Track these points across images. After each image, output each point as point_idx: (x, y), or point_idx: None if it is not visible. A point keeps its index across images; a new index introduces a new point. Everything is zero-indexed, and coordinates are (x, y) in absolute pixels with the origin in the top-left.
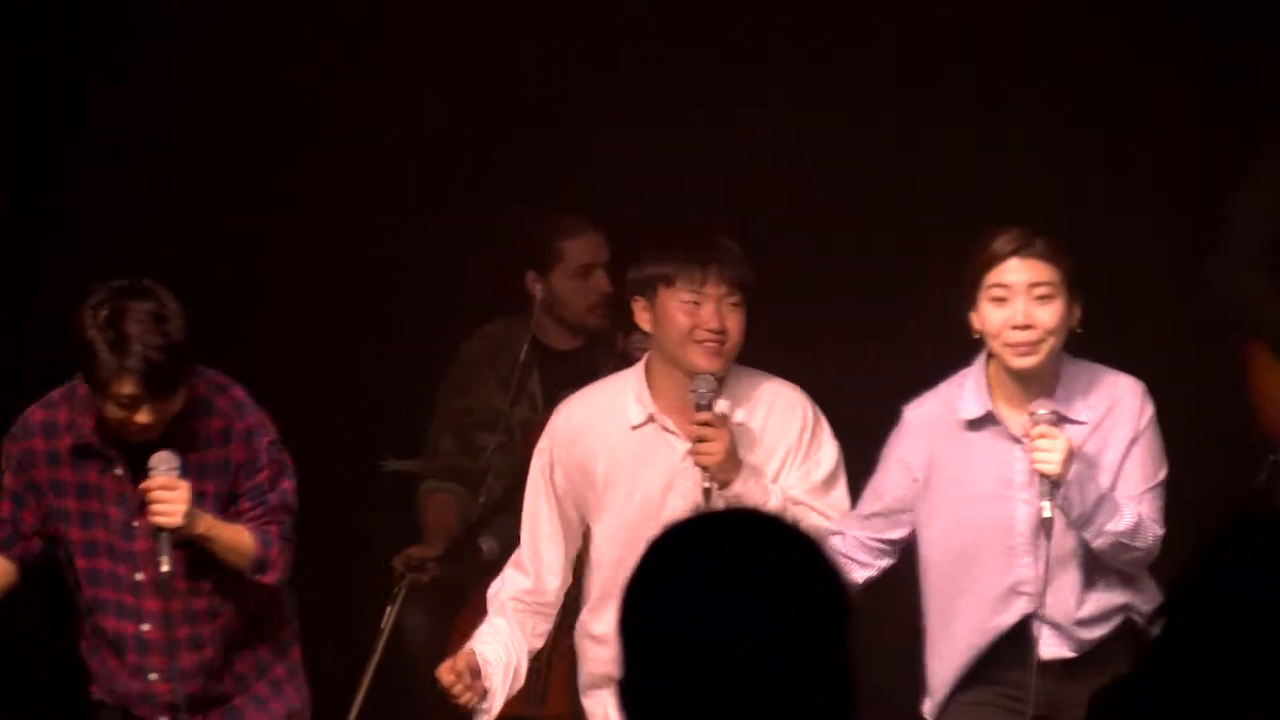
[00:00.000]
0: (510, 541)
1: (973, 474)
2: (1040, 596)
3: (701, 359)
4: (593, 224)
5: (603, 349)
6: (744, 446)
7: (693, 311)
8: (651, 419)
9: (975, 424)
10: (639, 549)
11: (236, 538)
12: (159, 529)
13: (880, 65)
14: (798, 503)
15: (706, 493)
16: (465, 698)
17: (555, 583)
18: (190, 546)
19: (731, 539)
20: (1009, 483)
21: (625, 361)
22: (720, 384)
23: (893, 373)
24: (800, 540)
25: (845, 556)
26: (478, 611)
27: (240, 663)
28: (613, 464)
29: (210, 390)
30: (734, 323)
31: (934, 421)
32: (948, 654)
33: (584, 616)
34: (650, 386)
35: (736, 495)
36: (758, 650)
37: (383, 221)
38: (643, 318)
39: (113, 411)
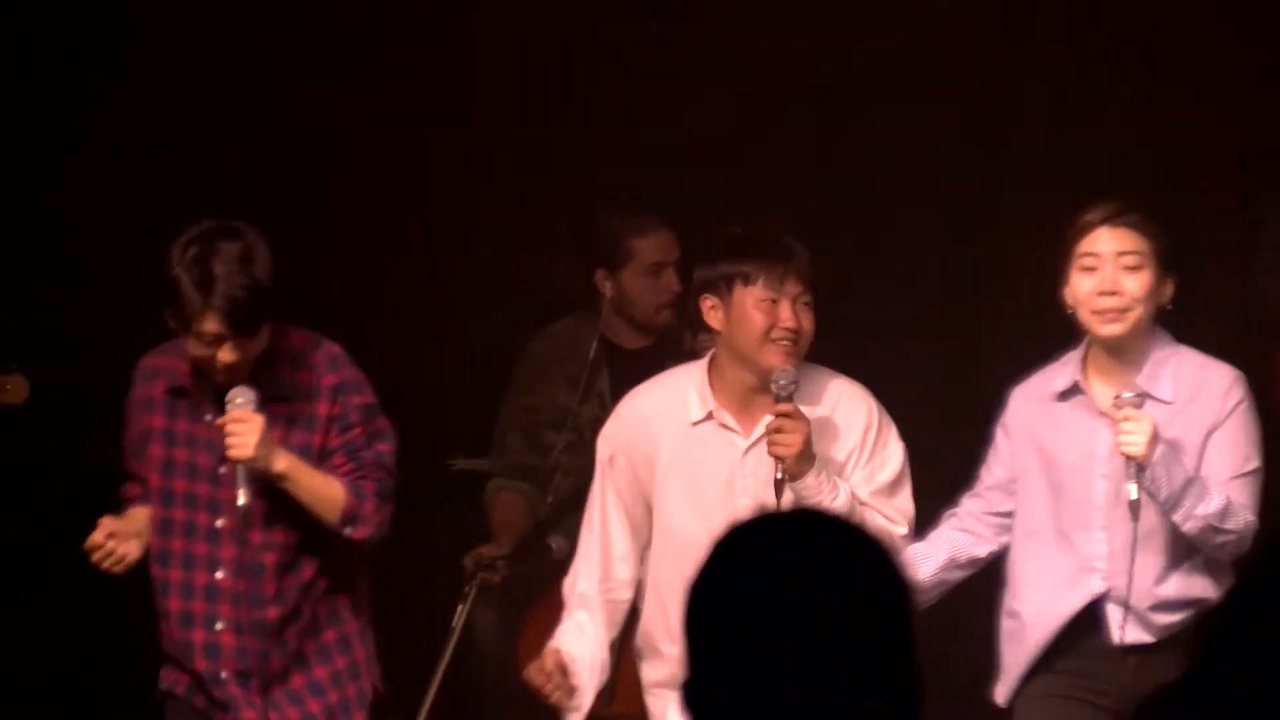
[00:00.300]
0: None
1: (1058, 447)
2: (1117, 576)
3: (777, 357)
4: (663, 223)
5: (671, 348)
6: (815, 442)
7: (770, 310)
8: (711, 416)
9: (1064, 396)
10: (691, 545)
11: (324, 485)
12: (236, 462)
13: (950, 62)
14: (863, 504)
15: (779, 484)
16: (556, 697)
17: (626, 572)
18: (274, 499)
19: (795, 539)
20: (1090, 456)
21: (693, 360)
22: (797, 385)
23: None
24: (864, 541)
25: (966, 530)
26: (548, 610)
27: (304, 638)
28: (672, 458)
29: (305, 344)
30: (807, 321)
31: (1030, 397)
32: (1022, 633)
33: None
34: (712, 383)
35: (808, 488)
36: (821, 651)
37: (453, 219)
38: (713, 315)
39: (197, 350)
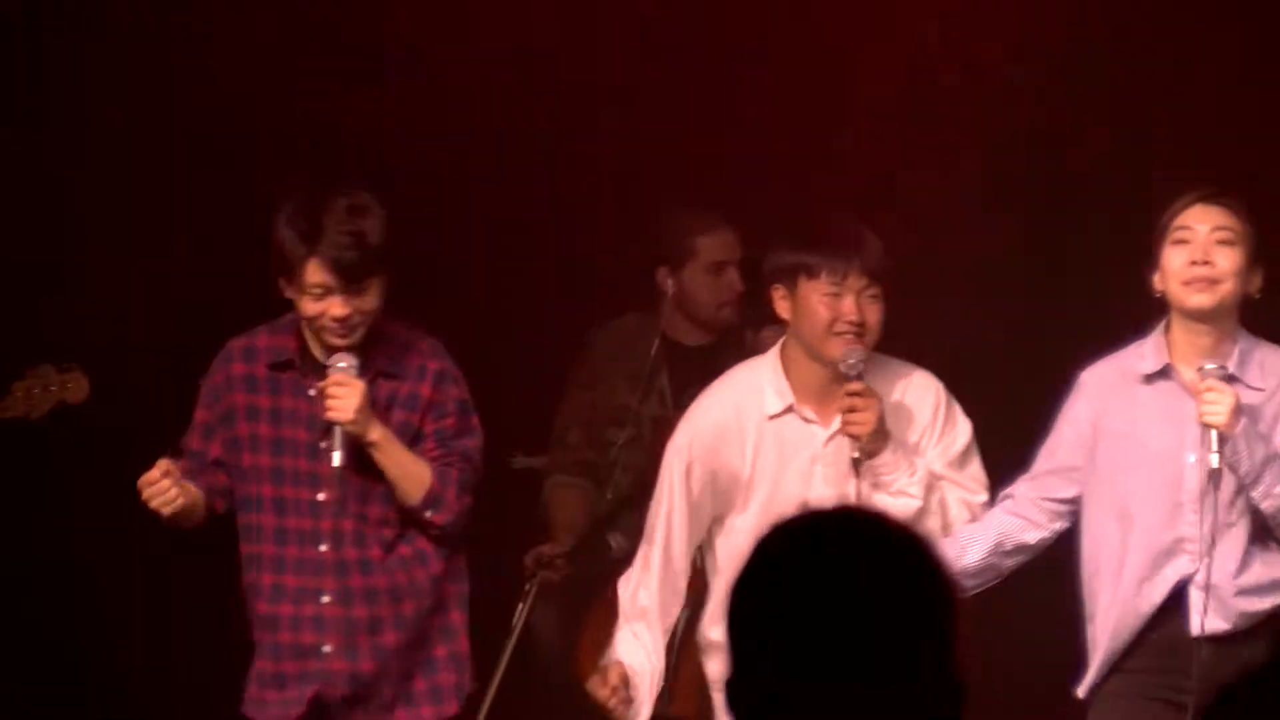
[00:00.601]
0: (638, 538)
1: (1144, 429)
2: (1202, 558)
3: (839, 351)
4: (726, 221)
5: (732, 346)
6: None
7: (833, 304)
8: (791, 409)
9: (1151, 378)
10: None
11: (413, 463)
12: (331, 424)
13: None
14: (939, 477)
15: (855, 463)
16: (620, 711)
17: (683, 584)
18: (368, 475)
19: (837, 537)
20: (1180, 437)
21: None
22: (866, 363)
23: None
24: (906, 539)
25: (1018, 515)
26: (608, 608)
27: (413, 616)
28: (757, 458)
29: (411, 331)
30: (873, 314)
31: (1106, 381)
32: (1107, 622)
33: (705, 622)
34: (787, 375)
35: (884, 465)
36: (861, 649)
37: (509, 214)
38: (782, 305)
39: (308, 306)
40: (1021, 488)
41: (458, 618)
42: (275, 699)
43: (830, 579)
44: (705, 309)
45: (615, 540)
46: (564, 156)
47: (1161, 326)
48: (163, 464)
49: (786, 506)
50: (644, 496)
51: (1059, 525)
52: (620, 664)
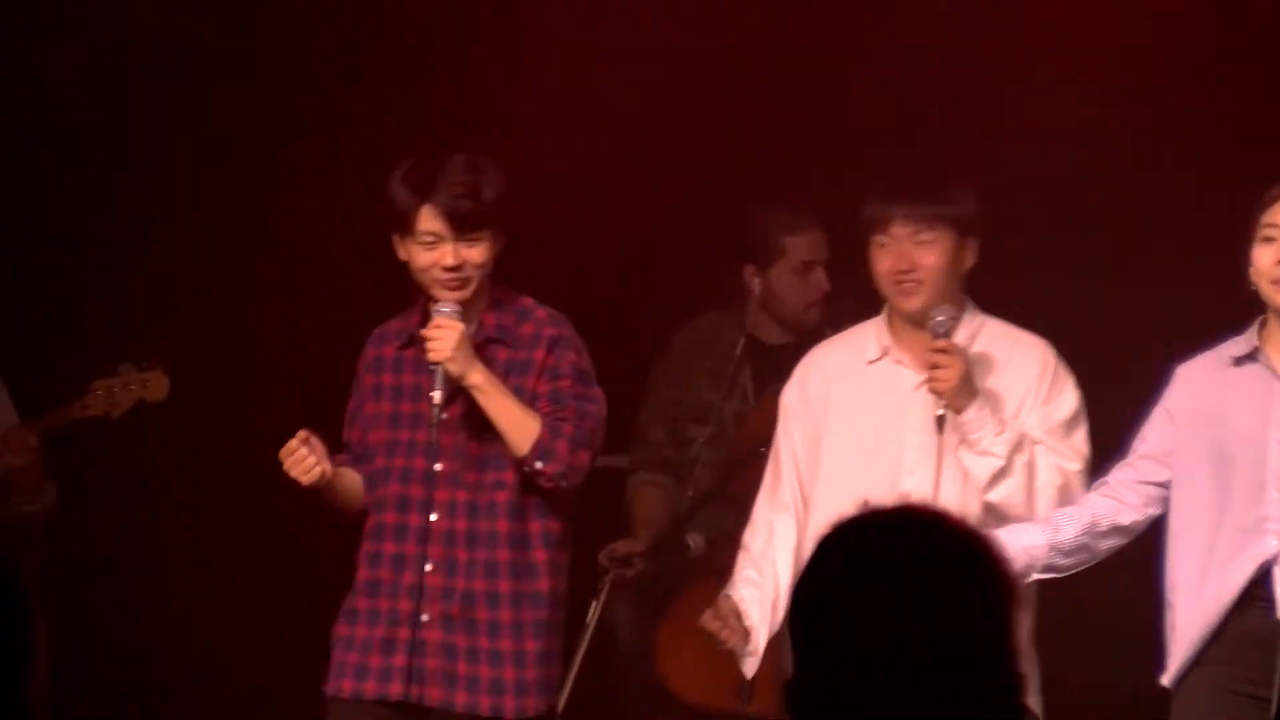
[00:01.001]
0: (717, 537)
1: (1231, 412)
2: None
3: (901, 300)
4: (815, 221)
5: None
6: (982, 383)
7: (883, 255)
8: (886, 353)
9: (1240, 361)
10: (863, 483)
11: (522, 412)
12: (433, 365)
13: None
14: (1037, 442)
15: (940, 420)
16: (732, 641)
17: (796, 513)
18: (484, 447)
19: (896, 537)
20: (1266, 418)
21: None
22: (958, 321)
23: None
24: (965, 536)
25: (1112, 498)
26: (688, 607)
27: (510, 591)
28: (846, 396)
29: (529, 302)
30: (925, 258)
31: (1199, 371)
32: (1189, 606)
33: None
34: (890, 327)
35: (969, 423)
36: (921, 649)
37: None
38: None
39: (420, 256)
40: (1117, 473)
41: (552, 615)
42: (377, 666)
43: (889, 578)
44: (791, 308)
45: (694, 540)
46: (643, 155)
47: (1257, 322)
48: (302, 434)
49: (873, 444)
50: (723, 493)
51: (1153, 510)
52: (729, 597)
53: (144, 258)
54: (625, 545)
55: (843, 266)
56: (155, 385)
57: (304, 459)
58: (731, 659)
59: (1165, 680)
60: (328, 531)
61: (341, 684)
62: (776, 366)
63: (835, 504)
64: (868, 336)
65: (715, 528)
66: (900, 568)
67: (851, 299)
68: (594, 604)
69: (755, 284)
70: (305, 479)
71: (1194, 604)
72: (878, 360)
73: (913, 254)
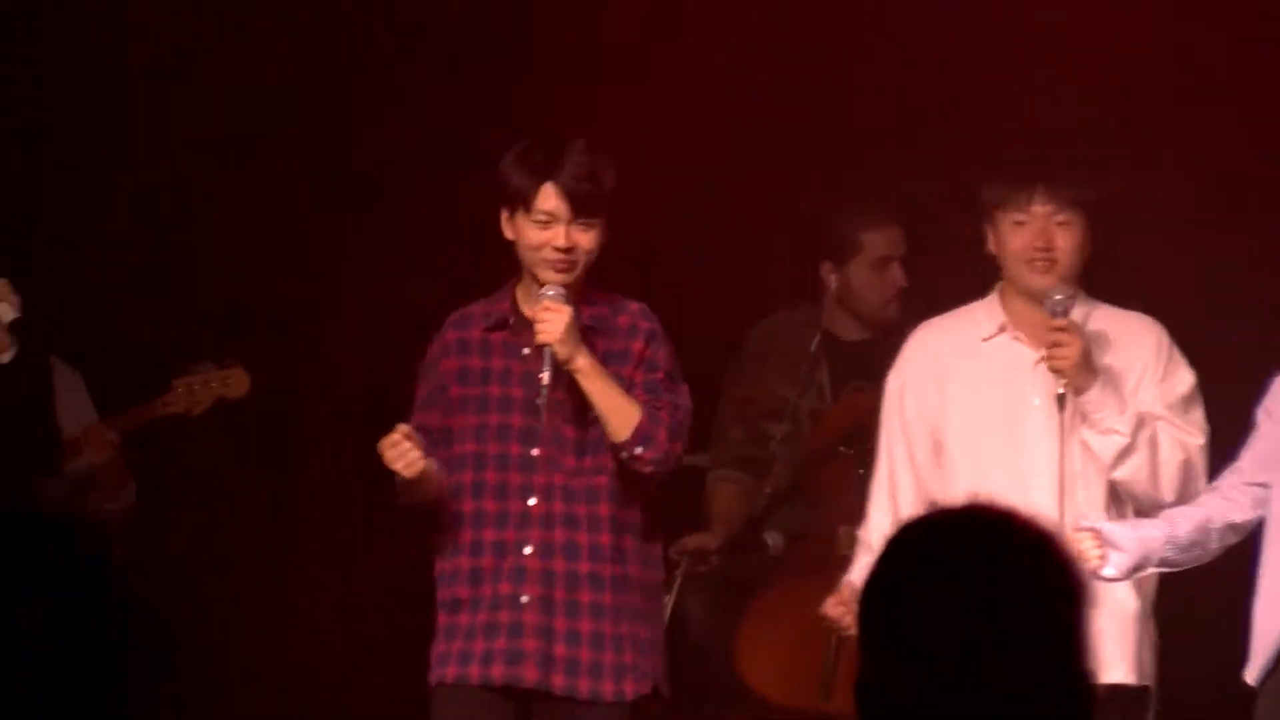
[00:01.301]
0: (796, 534)
1: None
2: None
3: (1034, 278)
4: (893, 217)
5: (894, 342)
6: (1100, 361)
7: (1019, 232)
8: (1003, 329)
9: None
10: (989, 455)
11: (624, 397)
12: (542, 346)
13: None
14: (1156, 417)
15: (1060, 399)
16: (848, 622)
17: (912, 498)
18: (580, 431)
19: (964, 538)
20: None
21: None
22: (1074, 300)
23: None
24: (1035, 536)
25: (1224, 498)
26: (768, 605)
27: (611, 575)
28: (964, 374)
29: (623, 298)
30: (1064, 240)
31: None
32: (1272, 601)
33: None
34: (1004, 304)
35: (1091, 402)
36: (989, 650)
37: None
38: (990, 241)
39: (533, 235)
40: (1227, 477)
41: (652, 602)
42: (480, 650)
43: (959, 577)
44: (869, 305)
45: (772, 538)
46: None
47: None
48: (403, 428)
49: (993, 422)
50: (800, 490)
51: (1262, 511)
52: (852, 583)
53: (222, 258)
54: (696, 540)
55: (919, 263)
56: (236, 382)
57: (409, 450)
58: (812, 656)
59: (1249, 677)
60: (404, 533)
61: (446, 671)
62: (854, 363)
63: (965, 477)
64: (979, 315)
65: (793, 526)
66: (969, 567)
67: (924, 296)
68: (666, 599)
69: (832, 280)
70: (409, 471)
71: (1275, 597)
72: (993, 337)
73: (1052, 233)
